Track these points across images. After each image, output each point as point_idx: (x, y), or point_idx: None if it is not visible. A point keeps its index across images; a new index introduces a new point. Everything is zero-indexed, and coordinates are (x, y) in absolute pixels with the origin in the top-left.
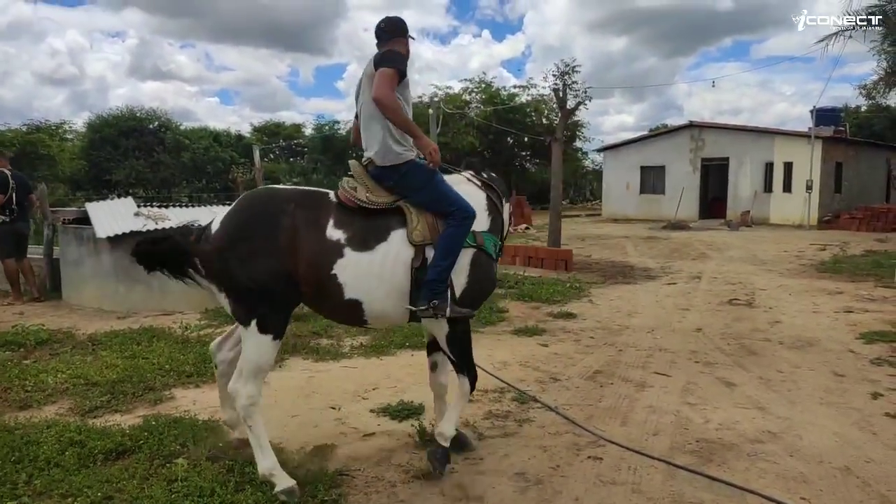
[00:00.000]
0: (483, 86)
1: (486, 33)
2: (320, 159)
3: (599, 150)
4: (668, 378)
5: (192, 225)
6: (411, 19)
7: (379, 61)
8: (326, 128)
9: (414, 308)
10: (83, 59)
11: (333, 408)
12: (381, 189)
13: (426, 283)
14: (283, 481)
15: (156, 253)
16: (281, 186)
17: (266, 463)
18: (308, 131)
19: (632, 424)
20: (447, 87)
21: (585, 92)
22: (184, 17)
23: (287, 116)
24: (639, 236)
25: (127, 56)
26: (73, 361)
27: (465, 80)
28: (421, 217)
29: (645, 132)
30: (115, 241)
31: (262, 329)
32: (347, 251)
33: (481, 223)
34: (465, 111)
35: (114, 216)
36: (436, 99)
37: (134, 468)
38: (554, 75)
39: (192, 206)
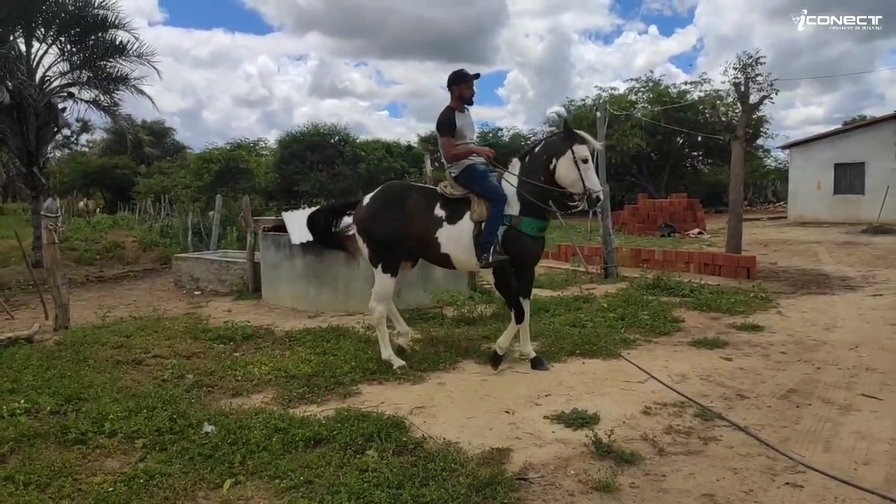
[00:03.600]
0: (650, 84)
1: (652, 29)
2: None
3: (784, 147)
4: (880, 402)
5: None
6: (573, 21)
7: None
8: (490, 135)
9: (478, 263)
10: (272, 82)
11: (507, 412)
12: (457, 185)
13: (481, 245)
14: (397, 362)
15: (330, 216)
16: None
17: (386, 352)
18: None
19: (836, 451)
20: (612, 89)
21: (771, 84)
22: (357, 38)
23: None
24: (833, 241)
25: (308, 77)
26: (274, 355)
27: (631, 79)
28: (479, 204)
29: (839, 126)
30: (307, 246)
31: (385, 270)
32: (444, 223)
33: (513, 208)
34: (630, 112)
35: (305, 224)
36: (601, 101)
37: (330, 456)
38: (735, 68)
39: None
